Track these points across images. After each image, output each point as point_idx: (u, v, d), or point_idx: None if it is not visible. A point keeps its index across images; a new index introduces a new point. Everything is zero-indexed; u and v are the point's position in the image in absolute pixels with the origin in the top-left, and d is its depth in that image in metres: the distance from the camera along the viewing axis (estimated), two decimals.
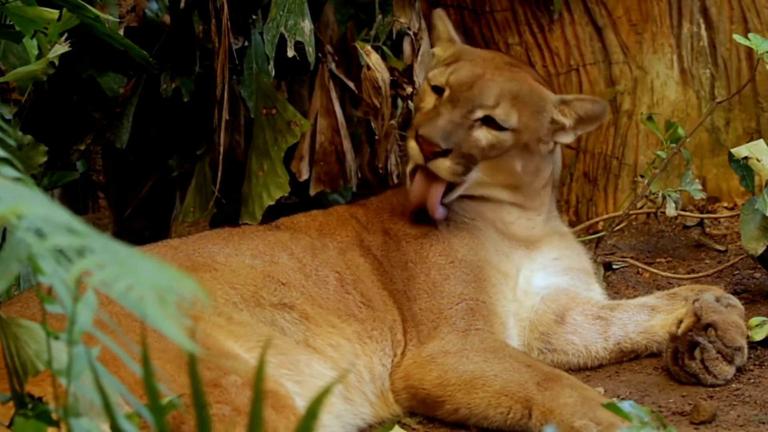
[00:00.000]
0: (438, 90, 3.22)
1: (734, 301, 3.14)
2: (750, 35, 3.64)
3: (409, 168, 3.21)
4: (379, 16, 4.06)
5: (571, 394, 2.81)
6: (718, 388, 2.92)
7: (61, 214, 1.33)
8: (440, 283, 3.10)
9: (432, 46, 3.60)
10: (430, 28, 3.47)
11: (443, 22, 3.46)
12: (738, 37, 3.68)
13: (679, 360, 2.99)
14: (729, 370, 2.96)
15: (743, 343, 3.00)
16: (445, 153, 3.09)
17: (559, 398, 2.81)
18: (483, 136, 3.16)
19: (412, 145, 3.13)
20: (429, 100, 3.23)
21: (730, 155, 3.58)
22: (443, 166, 3.10)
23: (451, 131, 3.10)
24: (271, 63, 3.59)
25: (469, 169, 3.15)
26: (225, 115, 3.78)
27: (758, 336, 3.13)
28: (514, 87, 3.22)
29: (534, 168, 3.28)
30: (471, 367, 2.94)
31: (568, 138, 3.35)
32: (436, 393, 2.95)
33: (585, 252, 3.50)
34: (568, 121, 3.29)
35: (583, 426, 2.72)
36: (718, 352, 2.95)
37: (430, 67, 3.46)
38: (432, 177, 3.12)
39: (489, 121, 3.17)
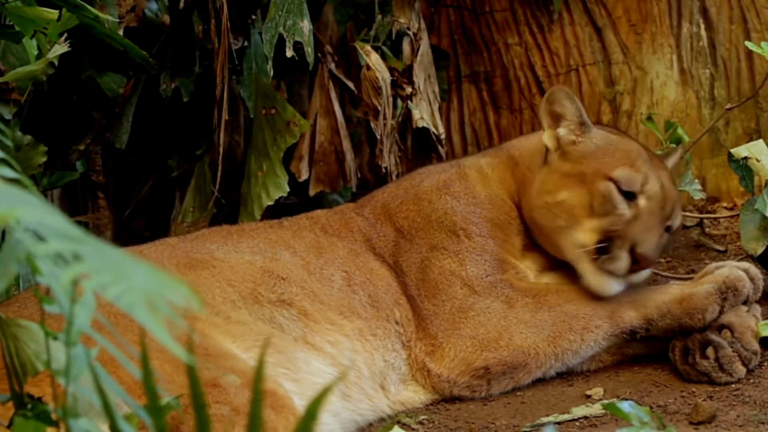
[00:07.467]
0: (629, 195, 3.13)
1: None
2: (763, 44, 3.64)
3: (595, 272, 3.11)
4: (379, 16, 4.06)
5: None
6: (717, 388, 2.92)
7: (55, 219, 1.32)
8: (457, 271, 3.13)
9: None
10: (551, 102, 3.26)
11: (574, 104, 3.25)
12: (751, 45, 3.67)
13: (689, 358, 2.99)
14: (743, 370, 2.97)
15: (758, 346, 3.02)
16: None
17: (638, 300, 3.07)
18: (664, 242, 3.24)
19: (623, 258, 3.06)
20: (622, 207, 3.11)
21: (730, 155, 3.58)
22: (643, 275, 3.15)
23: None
24: (270, 63, 3.59)
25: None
26: (224, 115, 3.78)
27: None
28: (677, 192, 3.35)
29: None
30: (546, 319, 3.05)
31: None
32: (516, 361, 3.02)
33: None
34: None
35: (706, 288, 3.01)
36: (735, 352, 2.95)
37: (568, 146, 3.24)
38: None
39: (668, 230, 3.22)
